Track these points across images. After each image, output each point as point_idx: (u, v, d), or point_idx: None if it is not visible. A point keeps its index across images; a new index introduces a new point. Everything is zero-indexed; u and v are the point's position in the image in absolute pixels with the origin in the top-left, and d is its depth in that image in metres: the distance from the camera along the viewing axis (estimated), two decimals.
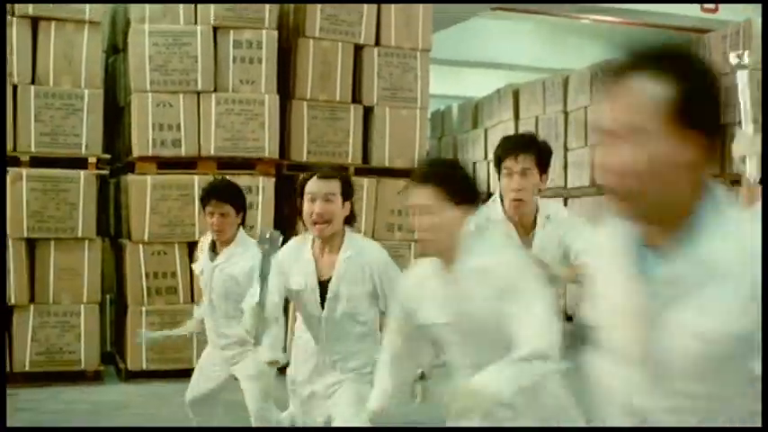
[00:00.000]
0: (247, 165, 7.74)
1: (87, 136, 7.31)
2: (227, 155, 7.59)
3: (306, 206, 3.89)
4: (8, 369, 7.07)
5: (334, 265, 3.90)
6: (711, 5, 11.39)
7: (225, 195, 4.56)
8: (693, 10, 11.45)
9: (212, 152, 7.52)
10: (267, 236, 3.76)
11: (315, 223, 3.85)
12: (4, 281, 6.96)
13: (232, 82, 7.65)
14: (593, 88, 11.55)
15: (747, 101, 3.72)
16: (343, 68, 7.96)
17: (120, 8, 8.22)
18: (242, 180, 7.51)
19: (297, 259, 3.95)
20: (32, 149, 7.23)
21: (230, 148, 7.55)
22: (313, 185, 3.90)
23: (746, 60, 3.66)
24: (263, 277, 3.72)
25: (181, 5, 7.57)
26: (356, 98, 8.04)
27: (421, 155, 8.07)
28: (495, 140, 14.44)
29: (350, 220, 3.98)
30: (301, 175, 4.07)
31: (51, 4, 7.26)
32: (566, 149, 12.11)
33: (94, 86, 7.46)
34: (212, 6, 7.59)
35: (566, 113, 12.10)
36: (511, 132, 13.14)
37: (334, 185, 3.90)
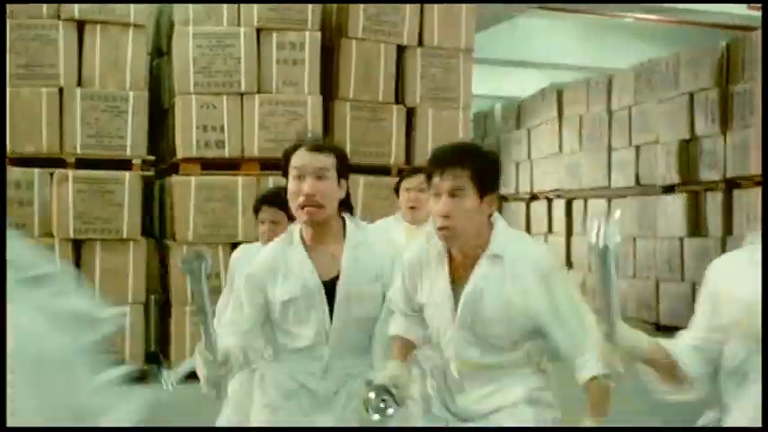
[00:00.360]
0: None
1: (132, 138, 7.36)
2: (271, 156, 7.61)
3: (292, 185, 3.09)
4: None
5: (338, 261, 3.09)
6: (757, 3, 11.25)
7: (279, 202, 4.28)
8: (739, 7, 11.31)
9: (255, 153, 7.55)
10: (191, 256, 2.71)
11: (303, 206, 3.02)
12: (5, 277, 6.94)
13: (275, 83, 7.67)
14: (637, 87, 11.46)
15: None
16: (386, 69, 7.95)
17: (164, 11, 8.27)
18: (284, 182, 7.53)
19: (282, 263, 3.10)
20: (78, 151, 7.29)
21: (273, 149, 7.56)
22: (301, 159, 3.10)
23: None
24: (201, 311, 2.75)
25: (225, 7, 7.61)
26: (399, 99, 8.04)
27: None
28: (538, 141, 14.42)
29: (347, 205, 3.20)
30: (286, 147, 3.27)
31: (97, 7, 7.32)
32: (610, 149, 12.03)
33: (139, 89, 7.51)
34: (255, 8, 7.62)
35: (610, 113, 12.02)
36: (555, 133, 13.07)
37: (328, 160, 3.08)
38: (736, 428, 2.01)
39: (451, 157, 2.84)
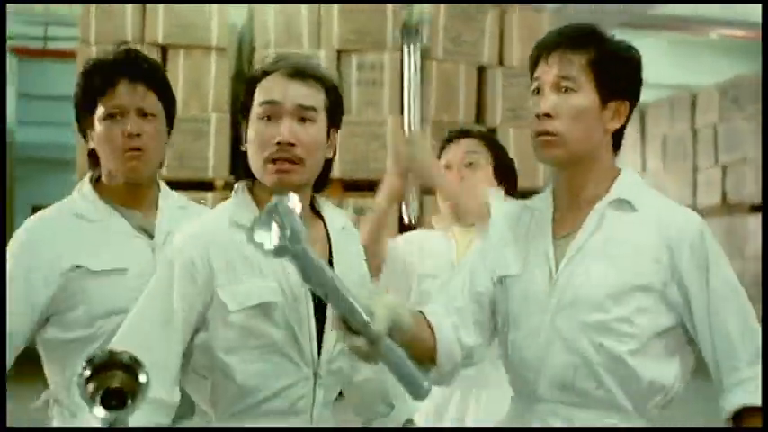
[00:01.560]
0: (371, 186, 7.74)
1: (215, 159, 7.43)
2: (352, 177, 7.63)
3: (256, 128, 2.15)
4: None
5: (321, 243, 2.25)
6: None
7: None
8: None
9: (337, 174, 7.57)
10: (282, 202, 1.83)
11: (274, 160, 2.11)
12: (4, 282, 7.03)
13: (355, 104, 7.69)
14: (722, 105, 11.26)
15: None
16: (466, 89, 7.93)
17: (245, 34, 8.36)
18: (366, 202, 7.54)
19: (245, 247, 1.93)
20: (162, 173, 7.38)
21: (354, 169, 7.58)
22: (276, 88, 2.15)
23: None
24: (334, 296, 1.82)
25: (305, 30, 7.67)
26: (479, 119, 8.00)
27: (546, 175, 7.98)
28: (621, 161, 14.34)
29: (326, 175, 2.36)
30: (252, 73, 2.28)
31: (180, 31, 7.43)
32: (694, 169, 11.83)
33: (221, 111, 7.59)
34: (335, 30, 7.66)
35: (694, 131, 11.83)
36: (638, 152, 12.91)
37: (316, 94, 2.19)
38: (735, 428, 1.96)
39: (562, 39, 2.18)
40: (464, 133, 3.28)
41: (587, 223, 2.11)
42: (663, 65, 13.71)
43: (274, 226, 1.79)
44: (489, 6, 8.34)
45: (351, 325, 1.80)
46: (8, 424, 2.55)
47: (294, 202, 1.81)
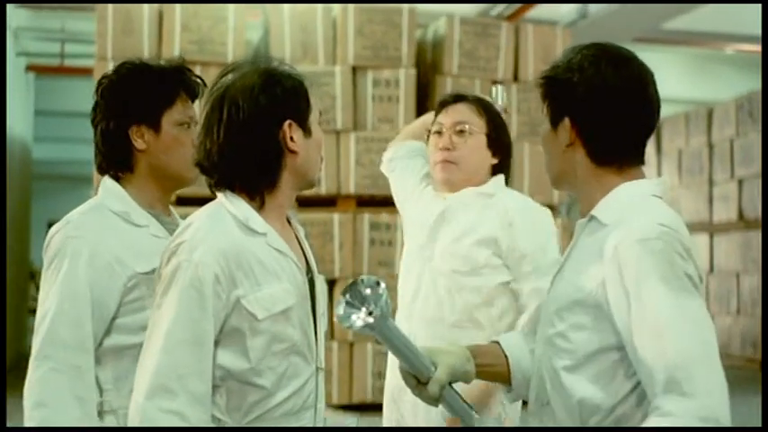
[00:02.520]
0: (386, 202, 7.75)
1: None
2: (367, 192, 7.64)
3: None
4: None
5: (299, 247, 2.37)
6: None
7: None
8: None
9: (352, 190, 7.59)
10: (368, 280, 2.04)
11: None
12: (5, 280, 7.01)
13: (371, 120, 7.71)
14: (739, 119, 11.24)
15: None
16: None
17: (261, 50, 8.40)
18: (381, 218, 7.56)
19: (262, 252, 2.16)
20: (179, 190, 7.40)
21: (369, 185, 7.60)
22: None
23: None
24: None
25: (320, 46, 7.69)
26: None
27: (560, 192, 7.97)
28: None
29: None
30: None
31: (197, 48, 7.47)
32: (711, 183, 11.80)
33: None
34: (351, 46, 7.69)
35: (710, 146, 11.80)
36: (653, 166, 12.89)
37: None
38: (733, 428, 1.92)
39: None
40: (459, 98, 3.26)
41: (573, 240, 2.15)
42: (679, 80, 13.71)
43: (362, 303, 2.02)
44: (504, 22, 8.37)
45: (418, 377, 2.09)
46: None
47: (381, 285, 2.00)
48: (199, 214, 2.21)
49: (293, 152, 2.21)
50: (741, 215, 11.19)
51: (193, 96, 2.60)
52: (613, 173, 2.07)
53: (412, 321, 3.10)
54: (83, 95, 11.64)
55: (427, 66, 8.19)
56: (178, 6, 7.47)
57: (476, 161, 3.15)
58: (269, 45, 7.89)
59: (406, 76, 7.75)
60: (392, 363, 3.14)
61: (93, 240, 2.38)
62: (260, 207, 2.21)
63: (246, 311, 2.09)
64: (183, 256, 2.09)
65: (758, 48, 12.08)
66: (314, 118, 2.27)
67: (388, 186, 7.62)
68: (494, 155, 3.19)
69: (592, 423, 1.97)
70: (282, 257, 2.20)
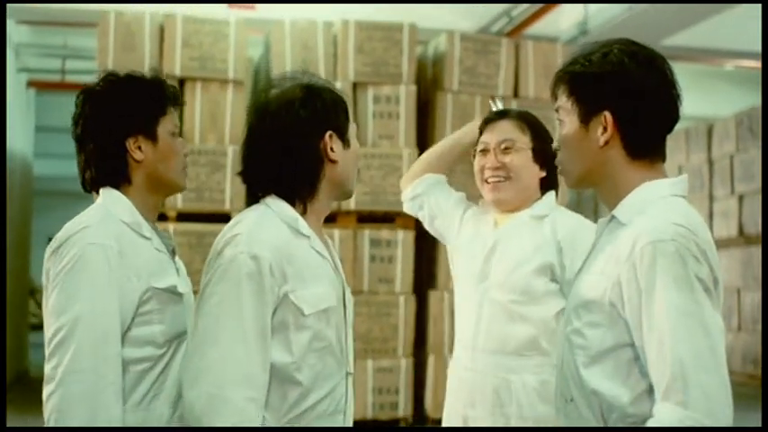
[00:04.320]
0: (387, 218, 7.77)
1: (231, 191, 7.46)
2: (367, 209, 7.64)
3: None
4: None
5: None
6: None
7: None
8: None
9: (352, 206, 7.59)
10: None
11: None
12: (5, 282, 6.98)
13: (371, 137, 7.72)
14: (739, 135, 11.25)
15: None
16: None
17: (262, 66, 8.42)
18: (381, 234, 7.57)
19: (307, 254, 2.30)
20: (179, 205, 7.42)
21: (370, 201, 7.60)
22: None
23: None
24: None
25: (321, 62, 7.71)
26: None
27: (562, 204, 7.97)
28: None
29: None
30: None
31: (198, 65, 7.49)
32: (711, 199, 11.81)
33: (238, 143, 7.60)
34: (351, 63, 7.71)
35: (710, 162, 11.81)
36: None
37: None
38: (733, 428, 1.93)
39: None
40: (502, 114, 3.29)
41: (595, 239, 2.16)
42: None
43: None
44: (504, 39, 8.39)
45: None
46: None
47: None
48: (247, 213, 2.31)
49: (333, 162, 2.35)
50: (741, 231, 11.19)
51: (177, 105, 2.61)
52: (645, 168, 2.09)
53: (475, 352, 3.11)
54: None
55: (428, 82, 8.21)
56: (179, 22, 7.49)
57: (524, 177, 3.17)
58: (270, 62, 7.90)
59: (406, 93, 7.77)
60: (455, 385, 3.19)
61: (115, 250, 2.34)
62: (302, 213, 2.33)
63: (294, 306, 2.20)
64: (241, 247, 2.17)
65: (758, 64, 12.11)
66: (352, 131, 2.43)
67: (389, 203, 7.57)
68: (541, 168, 3.20)
69: (611, 419, 1.99)
70: (323, 261, 2.33)
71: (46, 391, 2.26)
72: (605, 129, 2.07)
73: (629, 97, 2.06)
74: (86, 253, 2.31)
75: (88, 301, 2.27)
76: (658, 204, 2.02)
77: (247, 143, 2.36)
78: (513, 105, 8.02)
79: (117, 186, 2.49)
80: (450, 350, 3.31)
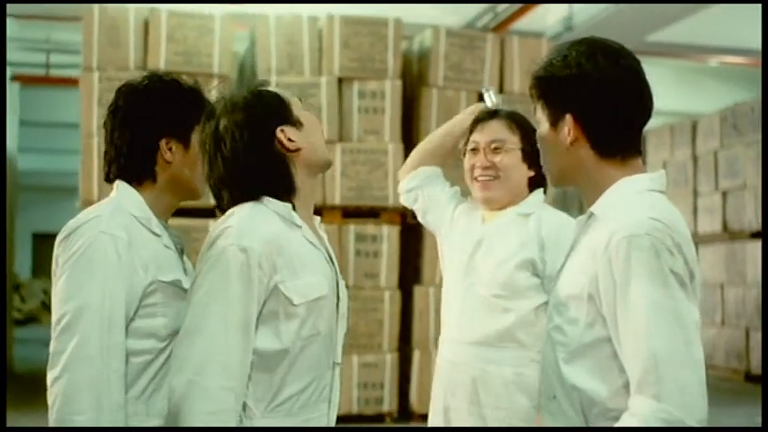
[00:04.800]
0: (372, 213, 7.78)
1: None
2: (353, 204, 7.65)
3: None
4: None
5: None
6: None
7: None
8: None
9: (337, 201, 7.60)
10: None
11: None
12: (5, 283, 6.98)
13: (357, 132, 7.72)
14: (723, 131, 11.30)
15: None
16: None
17: (247, 61, 8.42)
18: (367, 229, 7.57)
19: (300, 244, 2.33)
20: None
21: (355, 197, 7.61)
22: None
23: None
24: None
25: (306, 58, 7.71)
26: None
27: (547, 202, 7.99)
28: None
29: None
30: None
31: (183, 60, 7.47)
32: (695, 195, 11.86)
33: None
34: (337, 58, 7.71)
35: (695, 158, 11.86)
36: None
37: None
38: (733, 428, 1.94)
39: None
40: (492, 114, 3.34)
41: (574, 237, 2.15)
42: (663, 92, 13.74)
43: None
44: (490, 34, 8.40)
45: None
46: None
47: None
48: (241, 206, 2.31)
49: (297, 150, 2.36)
50: (725, 227, 11.23)
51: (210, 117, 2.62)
52: (617, 165, 2.08)
53: (458, 344, 3.18)
54: (68, 106, 11.62)
55: (413, 78, 8.21)
56: (164, 17, 7.48)
57: (514, 177, 3.22)
58: (255, 57, 7.90)
59: (391, 88, 7.77)
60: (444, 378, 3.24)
61: (125, 240, 2.37)
62: (292, 207, 2.35)
63: (284, 296, 2.22)
64: (231, 240, 2.20)
65: (742, 60, 12.18)
66: (295, 107, 2.41)
67: (374, 198, 7.58)
68: (530, 168, 3.24)
69: (592, 416, 2.00)
70: (316, 251, 2.35)
71: (51, 375, 2.29)
72: (570, 130, 2.08)
73: (588, 99, 2.06)
74: (96, 242, 2.34)
75: (96, 289, 2.30)
76: (635, 200, 2.02)
77: (207, 160, 2.37)
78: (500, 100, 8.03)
79: (141, 182, 2.53)
80: (436, 345, 3.35)
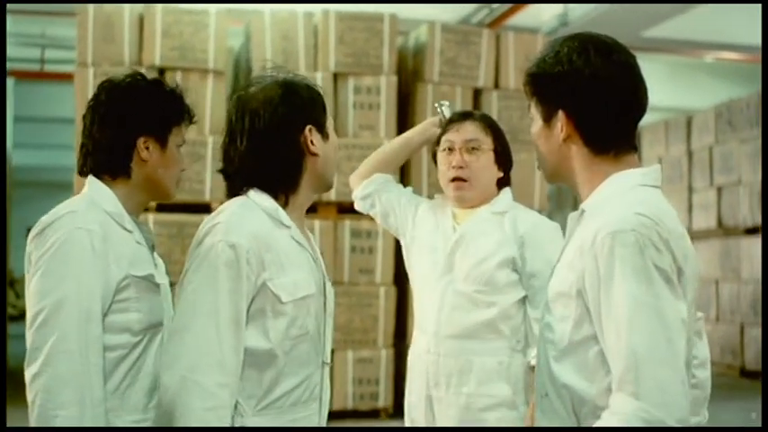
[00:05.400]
0: None
1: (212, 181, 7.44)
2: (348, 199, 7.61)
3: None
4: None
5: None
6: None
7: None
8: None
9: (333, 197, 7.58)
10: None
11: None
12: (5, 283, 6.97)
13: (352, 127, 7.72)
14: (718, 127, 11.30)
15: None
16: None
17: (242, 57, 8.40)
18: (362, 225, 7.57)
19: (287, 243, 2.35)
20: None
21: (350, 193, 7.58)
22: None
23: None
24: None
25: (301, 53, 7.70)
26: None
27: (541, 199, 8.00)
28: None
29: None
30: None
31: (178, 55, 7.46)
32: (690, 191, 11.86)
33: (218, 133, 7.57)
34: (332, 53, 7.70)
35: (690, 153, 11.86)
36: None
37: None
38: (735, 428, 1.94)
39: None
40: (466, 116, 3.45)
41: (567, 233, 2.15)
42: (658, 88, 13.75)
43: None
44: (485, 30, 8.39)
45: None
46: None
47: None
48: (229, 203, 2.35)
49: (314, 155, 2.40)
50: (720, 223, 11.24)
51: (191, 123, 2.72)
52: (610, 161, 2.08)
53: (438, 338, 3.26)
54: (63, 101, 11.59)
55: (408, 73, 8.20)
56: (159, 12, 7.46)
57: (486, 178, 3.34)
58: (250, 52, 7.88)
59: (387, 84, 7.76)
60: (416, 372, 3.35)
61: (100, 235, 2.39)
62: (284, 206, 2.38)
63: (272, 293, 2.24)
64: (219, 236, 2.22)
65: (738, 56, 12.19)
66: (330, 124, 2.48)
67: None
68: (499, 169, 3.38)
69: (583, 413, 1.99)
70: (303, 251, 2.38)
71: (30, 371, 2.29)
72: (562, 127, 2.08)
73: (580, 95, 2.05)
74: (72, 237, 2.36)
75: (73, 284, 2.31)
76: (625, 196, 2.01)
77: (228, 141, 2.40)
78: (494, 96, 8.04)
79: (115, 177, 2.55)
80: None
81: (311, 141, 2.39)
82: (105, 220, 2.45)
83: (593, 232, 1.95)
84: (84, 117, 2.59)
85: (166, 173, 2.60)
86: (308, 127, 2.39)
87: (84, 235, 2.36)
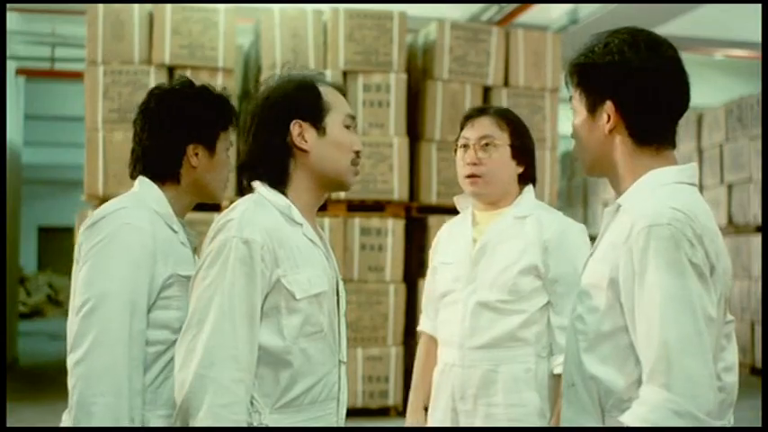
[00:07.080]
0: (377, 207, 7.78)
1: None
2: (357, 197, 7.64)
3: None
4: None
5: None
6: None
7: None
8: None
9: (342, 195, 7.59)
10: None
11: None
12: (4, 283, 7.02)
13: (361, 125, 7.71)
14: (728, 124, 11.27)
15: None
16: None
17: (252, 55, 8.41)
18: (372, 222, 7.57)
19: (299, 239, 2.36)
20: None
21: (360, 190, 7.60)
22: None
23: None
24: None
25: (311, 50, 7.70)
26: None
27: (551, 196, 7.99)
28: None
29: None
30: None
31: (187, 53, 7.47)
32: (701, 188, 11.82)
33: None
34: (341, 51, 7.70)
35: (700, 151, 11.83)
36: None
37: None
38: (736, 428, 1.95)
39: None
40: (482, 111, 3.38)
41: (602, 227, 2.17)
42: None
43: None
44: (494, 27, 8.38)
45: None
46: None
47: None
48: (243, 200, 2.35)
49: (304, 150, 2.39)
50: (731, 220, 11.22)
51: (236, 126, 2.74)
52: (651, 154, 2.11)
53: (463, 350, 3.20)
54: (73, 99, 11.63)
55: (418, 71, 8.21)
56: (169, 11, 7.47)
57: (502, 173, 3.27)
58: (260, 50, 7.89)
59: (396, 81, 7.76)
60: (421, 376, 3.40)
61: (149, 232, 2.46)
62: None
63: (286, 290, 2.24)
64: (233, 232, 2.23)
65: (748, 53, 12.15)
66: (333, 119, 2.43)
67: (379, 191, 7.63)
68: (519, 164, 3.29)
69: (608, 405, 2.01)
70: (316, 249, 2.38)
71: (72, 357, 2.37)
72: (609, 117, 2.10)
73: (629, 86, 2.08)
74: (121, 232, 2.44)
75: (118, 277, 2.39)
76: (660, 191, 2.03)
77: (238, 139, 2.48)
78: (504, 94, 8.03)
79: (164, 182, 2.62)
80: None
81: (299, 135, 2.38)
82: (154, 218, 2.51)
83: (629, 226, 1.97)
84: (134, 122, 2.66)
85: (215, 177, 2.67)
86: (294, 122, 2.38)
87: (134, 231, 2.43)
